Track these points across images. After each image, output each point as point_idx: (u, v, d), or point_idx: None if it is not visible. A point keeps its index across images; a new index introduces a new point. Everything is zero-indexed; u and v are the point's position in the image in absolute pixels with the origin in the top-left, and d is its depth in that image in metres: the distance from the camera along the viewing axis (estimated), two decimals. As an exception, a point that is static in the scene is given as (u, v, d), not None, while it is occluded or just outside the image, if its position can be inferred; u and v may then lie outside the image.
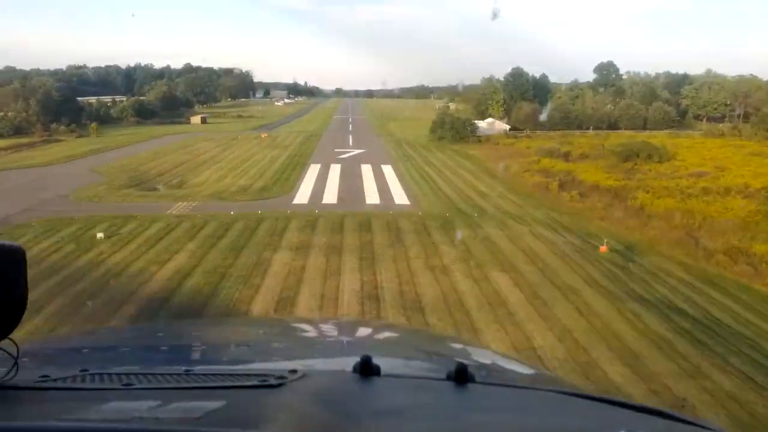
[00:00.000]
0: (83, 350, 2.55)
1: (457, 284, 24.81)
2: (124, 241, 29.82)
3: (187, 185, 46.64)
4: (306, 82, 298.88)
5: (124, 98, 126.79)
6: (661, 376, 17.75)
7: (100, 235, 29.94)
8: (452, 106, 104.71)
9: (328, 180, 48.73)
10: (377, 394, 1.59)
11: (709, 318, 23.62)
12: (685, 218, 39.88)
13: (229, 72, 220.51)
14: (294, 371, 1.57)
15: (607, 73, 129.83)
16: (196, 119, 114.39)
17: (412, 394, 1.61)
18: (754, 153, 65.55)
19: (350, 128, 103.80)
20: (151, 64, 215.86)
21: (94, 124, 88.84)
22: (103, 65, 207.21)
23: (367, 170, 54.14)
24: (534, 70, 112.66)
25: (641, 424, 1.51)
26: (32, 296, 1.49)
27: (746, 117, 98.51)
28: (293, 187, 45.60)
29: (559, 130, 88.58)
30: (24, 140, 78.41)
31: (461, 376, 1.62)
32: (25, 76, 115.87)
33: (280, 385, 1.47)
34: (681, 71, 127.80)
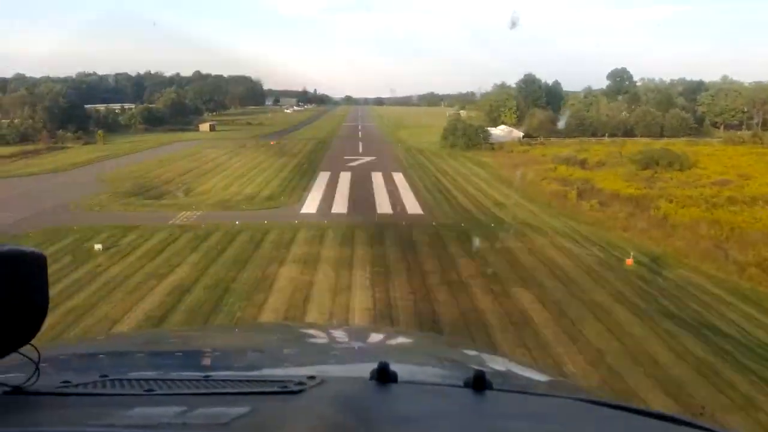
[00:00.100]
0: (102, 356, 2.49)
1: (477, 301, 23.02)
2: (123, 254, 28.24)
3: (192, 194, 45.10)
4: (315, 90, 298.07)
5: (132, 106, 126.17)
6: (712, 409, 15.88)
7: (97, 246, 28.40)
8: (463, 113, 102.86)
9: (338, 188, 47.06)
10: (396, 401, 1.55)
11: (750, 338, 21.71)
12: (711, 229, 38.01)
13: (238, 80, 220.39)
14: (312, 377, 1.57)
15: (620, 79, 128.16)
16: (204, 126, 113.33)
17: (431, 402, 1.59)
18: (778, 161, 63.47)
19: (360, 135, 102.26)
20: (161, 71, 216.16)
21: (100, 132, 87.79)
22: (113, 73, 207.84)
23: (377, 178, 52.47)
24: (546, 77, 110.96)
25: None
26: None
27: (765, 125, 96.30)
28: (301, 196, 43.96)
29: (573, 137, 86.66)
30: (29, 147, 77.35)
31: (479, 383, 1.59)
32: (34, 84, 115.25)
33: (300, 391, 1.47)
34: (696, 78, 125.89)
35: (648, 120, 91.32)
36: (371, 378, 1.60)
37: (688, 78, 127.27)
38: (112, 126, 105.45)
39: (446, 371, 2.37)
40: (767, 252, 32.77)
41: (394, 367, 1.62)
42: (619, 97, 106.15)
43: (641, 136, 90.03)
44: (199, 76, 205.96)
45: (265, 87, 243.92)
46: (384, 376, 1.58)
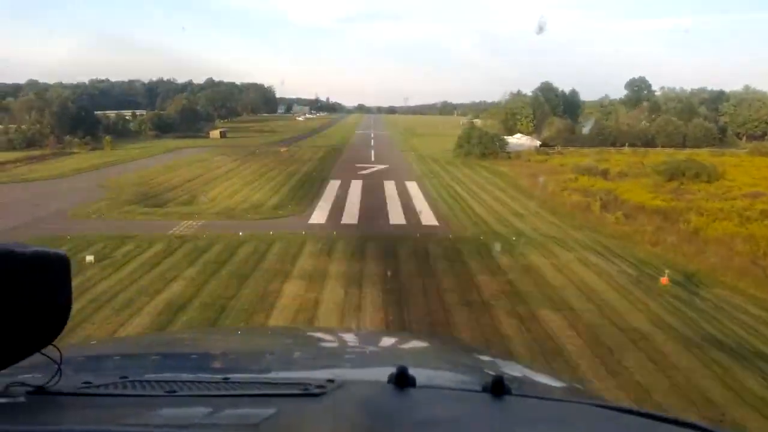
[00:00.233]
0: (121, 357, 2.54)
1: (501, 326, 20.64)
2: (116, 266, 26.11)
3: (196, 202, 43.05)
4: (328, 98, 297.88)
5: (144, 112, 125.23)
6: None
7: (89, 258, 26.28)
8: (478, 122, 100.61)
9: (349, 197, 44.81)
10: (416, 406, 1.55)
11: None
12: (747, 244, 35.53)
13: (251, 87, 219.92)
14: (331, 381, 1.58)
15: (638, 89, 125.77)
16: (215, 133, 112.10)
17: (450, 406, 1.59)
18: (809, 172, 60.62)
19: (372, 143, 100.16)
20: (174, 78, 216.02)
21: (108, 137, 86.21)
22: (126, 80, 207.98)
23: (390, 187, 50.19)
24: (562, 86, 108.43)
25: None
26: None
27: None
28: (310, 205, 41.73)
29: (591, 146, 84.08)
30: (35, 153, 75.98)
31: (498, 387, 1.59)
32: (46, 89, 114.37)
33: (321, 394, 1.48)
34: (717, 87, 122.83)
35: (670, 130, 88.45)
36: (389, 382, 1.58)
37: (709, 87, 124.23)
38: (121, 132, 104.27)
39: (464, 376, 2.33)
40: (810, 270, 30.45)
41: (412, 371, 1.61)
42: (644, 104, 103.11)
43: (662, 146, 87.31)
44: (211, 83, 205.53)
45: (278, 95, 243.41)
46: (403, 380, 1.57)
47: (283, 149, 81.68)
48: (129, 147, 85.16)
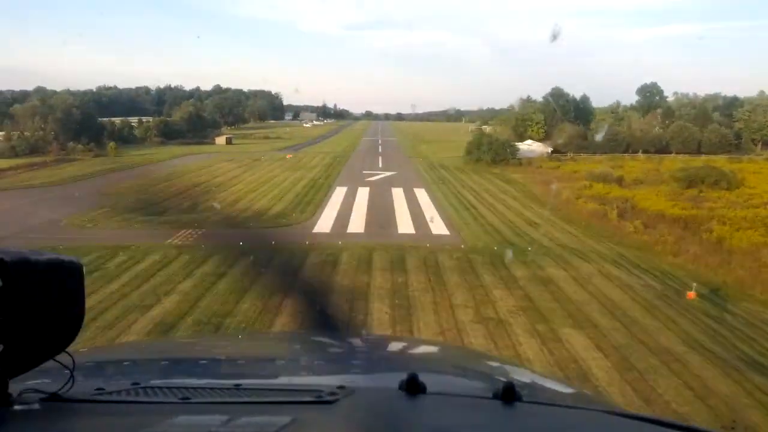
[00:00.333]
0: (133, 363, 2.53)
1: (521, 346, 18.85)
2: (106, 279, 24.50)
3: (197, 210, 41.47)
4: (335, 105, 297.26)
5: (151, 119, 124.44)
6: None
7: (79, 269, 24.66)
8: (486, 128, 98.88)
9: (355, 205, 43.07)
10: (428, 413, 1.55)
11: None
12: (774, 255, 33.86)
13: (258, 94, 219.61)
14: (342, 387, 1.58)
15: (650, 94, 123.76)
16: (221, 140, 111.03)
17: (462, 413, 1.57)
18: (832, 180, 58.56)
19: (380, 150, 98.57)
20: (182, 85, 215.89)
21: (112, 143, 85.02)
22: (133, 87, 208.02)
23: (398, 194, 48.45)
24: (573, 91, 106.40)
25: None
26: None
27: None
28: (315, 213, 40.01)
29: (604, 153, 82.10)
30: (37, 159, 74.75)
31: (509, 394, 1.58)
32: (50, 95, 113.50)
33: (335, 401, 1.48)
34: (730, 93, 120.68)
35: (685, 136, 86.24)
36: (400, 388, 1.58)
37: (723, 93, 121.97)
38: (127, 139, 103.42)
39: (474, 382, 2.34)
40: None
41: (422, 377, 1.61)
42: (657, 110, 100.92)
43: (676, 153, 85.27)
44: (219, 90, 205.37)
45: (285, 102, 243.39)
46: (414, 386, 1.57)
47: (288, 156, 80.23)
48: (133, 153, 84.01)
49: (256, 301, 21.83)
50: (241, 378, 1.95)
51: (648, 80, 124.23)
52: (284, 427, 1.26)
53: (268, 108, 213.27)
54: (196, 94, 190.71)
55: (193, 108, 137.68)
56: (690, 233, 39.51)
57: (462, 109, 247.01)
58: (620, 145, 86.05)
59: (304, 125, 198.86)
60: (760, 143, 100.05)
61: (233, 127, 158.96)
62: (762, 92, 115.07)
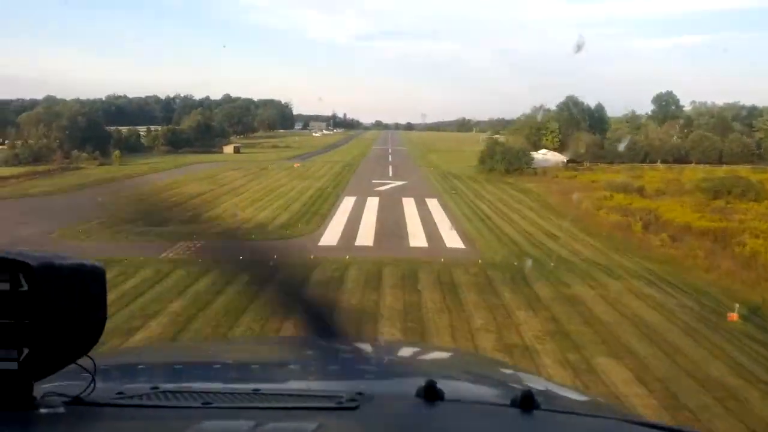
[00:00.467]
0: (152, 367, 2.54)
1: (551, 378, 16.51)
2: (91, 296, 22.37)
3: (198, 220, 39.43)
4: (345, 115, 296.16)
5: (159, 128, 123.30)
6: None
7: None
8: (500, 138, 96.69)
9: (364, 216, 40.85)
10: (447, 420, 1.54)
11: None
12: (814, 271, 31.38)
13: (267, 103, 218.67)
14: (361, 394, 1.58)
15: (666, 104, 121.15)
16: (229, 149, 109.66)
17: (481, 421, 1.57)
18: None
19: (390, 159, 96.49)
20: (191, 95, 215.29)
21: (117, 152, 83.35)
22: (143, 96, 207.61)
23: (409, 204, 46.21)
24: (588, 100, 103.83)
25: None
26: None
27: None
28: (321, 224, 37.83)
29: (622, 162, 79.57)
30: (41, 168, 73.25)
31: (527, 402, 1.56)
32: (56, 103, 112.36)
33: (356, 407, 1.48)
34: (748, 102, 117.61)
35: (705, 145, 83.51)
36: (418, 395, 1.58)
37: (741, 102, 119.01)
38: (134, 147, 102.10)
39: (491, 390, 2.34)
40: None
41: (440, 384, 1.60)
42: (676, 119, 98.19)
43: (696, 163, 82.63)
44: (228, 99, 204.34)
45: (295, 111, 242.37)
46: (431, 393, 1.57)
47: (296, 164, 78.32)
48: (139, 162, 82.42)
49: (253, 324, 19.61)
50: (259, 382, 1.87)
51: (662, 90, 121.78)
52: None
53: (277, 117, 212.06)
54: (205, 103, 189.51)
55: (201, 117, 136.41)
56: (720, 247, 37.08)
57: (472, 119, 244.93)
58: (638, 154, 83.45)
59: (314, 134, 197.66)
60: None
61: (242, 136, 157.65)
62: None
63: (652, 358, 18.32)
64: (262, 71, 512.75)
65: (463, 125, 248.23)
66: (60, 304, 1.33)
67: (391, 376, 2.56)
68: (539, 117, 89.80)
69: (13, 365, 1.31)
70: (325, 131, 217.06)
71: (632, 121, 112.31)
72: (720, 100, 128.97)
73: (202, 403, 1.51)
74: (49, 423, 1.37)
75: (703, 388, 16.43)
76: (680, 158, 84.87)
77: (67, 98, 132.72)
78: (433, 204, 46.90)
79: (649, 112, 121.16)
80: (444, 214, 42.57)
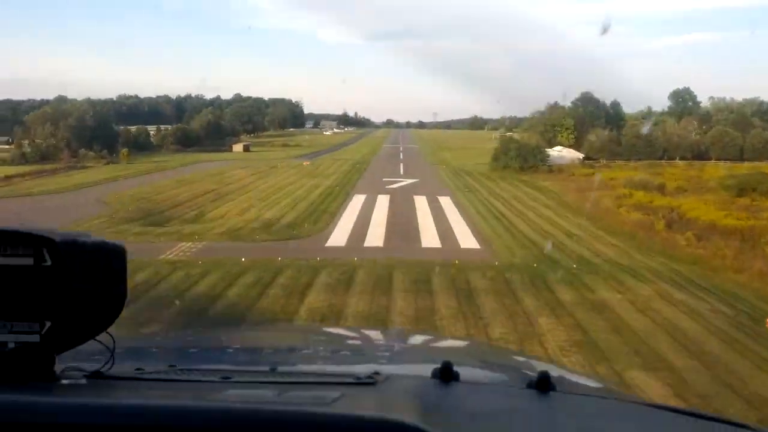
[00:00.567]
0: (170, 349, 2.59)
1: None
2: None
3: (202, 219, 38.02)
4: (356, 113, 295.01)
5: (169, 127, 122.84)
6: None
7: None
8: (514, 135, 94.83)
9: (374, 215, 39.20)
10: (465, 399, 1.53)
11: None
12: None
13: (278, 102, 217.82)
14: (377, 373, 1.54)
15: (683, 100, 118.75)
16: (238, 147, 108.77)
17: (498, 400, 1.58)
18: None
19: (401, 157, 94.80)
20: (202, 94, 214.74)
21: (124, 150, 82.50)
22: (154, 96, 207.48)
23: (421, 203, 44.53)
24: (603, 97, 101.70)
25: None
26: None
27: None
28: (329, 224, 36.24)
29: (639, 160, 77.48)
30: (47, 167, 72.51)
31: (544, 384, 1.55)
32: (64, 102, 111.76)
33: (374, 382, 1.46)
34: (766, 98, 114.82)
35: (725, 141, 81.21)
36: (434, 376, 1.57)
37: (760, 98, 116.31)
38: (143, 146, 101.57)
39: (507, 374, 2.33)
40: None
41: (456, 367, 1.58)
42: (694, 115, 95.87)
43: (716, 159, 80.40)
44: (239, 99, 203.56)
45: (306, 110, 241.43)
46: (447, 374, 1.56)
47: (306, 163, 76.96)
48: (145, 161, 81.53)
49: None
50: (276, 364, 1.84)
51: (679, 86, 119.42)
52: (337, 400, 1.22)
53: (288, 116, 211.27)
54: (216, 103, 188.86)
55: (211, 116, 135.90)
56: (749, 246, 35.11)
57: (484, 117, 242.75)
58: (656, 151, 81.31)
59: (325, 133, 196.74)
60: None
61: (253, 135, 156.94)
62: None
63: (690, 371, 16.57)
64: (273, 71, 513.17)
65: (475, 123, 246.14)
66: (82, 280, 1.34)
67: (406, 359, 2.57)
68: (545, 112, 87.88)
69: (35, 338, 1.34)
70: (335, 130, 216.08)
71: (647, 117, 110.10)
72: (739, 96, 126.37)
73: (222, 378, 1.49)
74: (70, 393, 1.37)
75: (751, 407, 14.68)
76: (699, 154, 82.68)
77: (79, 98, 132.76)
78: (446, 202, 45.21)
79: (666, 109, 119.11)
80: (458, 212, 40.86)
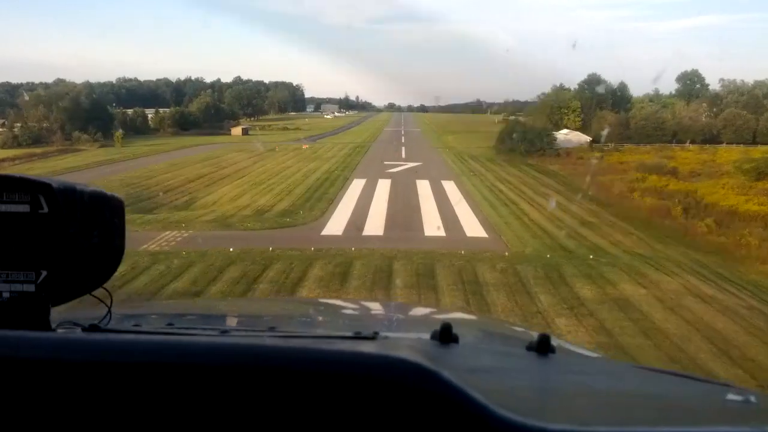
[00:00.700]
0: (167, 314, 2.48)
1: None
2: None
3: (192, 206, 35.93)
4: (358, 97, 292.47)
5: (168, 110, 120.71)
6: None
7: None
8: (520, 117, 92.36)
9: (374, 201, 37.00)
10: (465, 358, 1.51)
11: None
12: None
13: (278, 85, 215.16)
14: (377, 333, 1.47)
15: (691, 82, 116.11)
16: (237, 130, 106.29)
17: (500, 361, 1.57)
18: None
19: (403, 140, 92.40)
20: (202, 77, 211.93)
21: (118, 133, 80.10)
22: (154, 79, 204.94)
23: (424, 188, 42.32)
24: (609, 78, 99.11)
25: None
26: None
27: None
28: (326, 210, 34.06)
29: (649, 143, 75.07)
30: (39, 150, 70.38)
31: (544, 346, 1.55)
32: (58, 84, 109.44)
33: (375, 338, 1.41)
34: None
35: (738, 124, 78.66)
36: (433, 338, 1.52)
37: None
38: (140, 129, 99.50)
39: (507, 338, 2.38)
40: None
41: (455, 330, 1.53)
42: (702, 97, 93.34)
43: (728, 143, 77.94)
44: (239, 82, 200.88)
45: (307, 94, 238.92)
46: (447, 336, 1.51)
47: (305, 146, 74.67)
48: (140, 144, 79.37)
49: (235, 334, 15.99)
50: (276, 324, 1.85)
51: (686, 69, 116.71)
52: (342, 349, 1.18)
53: (288, 99, 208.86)
54: (216, 86, 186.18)
55: (210, 99, 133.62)
56: (774, 234, 33.13)
57: (486, 101, 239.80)
58: (666, 134, 78.81)
59: (325, 116, 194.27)
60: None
61: (252, 118, 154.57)
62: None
63: (735, 380, 14.48)
64: (273, 54, 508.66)
65: (478, 107, 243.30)
66: (79, 228, 1.30)
67: (405, 323, 2.62)
68: (551, 95, 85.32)
69: (31, 287, 1.31)
70: (336, 113, 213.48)
71: (656, 99, 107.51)
72: (749, 78, 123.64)
73: (221, 332, 1.42)
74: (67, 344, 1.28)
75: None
76: (711, 138, 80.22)
77: (78, 81, 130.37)
78: (450, 187, 42.99)
79: (673, 92, 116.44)
80: (462, 198, 38.62)
